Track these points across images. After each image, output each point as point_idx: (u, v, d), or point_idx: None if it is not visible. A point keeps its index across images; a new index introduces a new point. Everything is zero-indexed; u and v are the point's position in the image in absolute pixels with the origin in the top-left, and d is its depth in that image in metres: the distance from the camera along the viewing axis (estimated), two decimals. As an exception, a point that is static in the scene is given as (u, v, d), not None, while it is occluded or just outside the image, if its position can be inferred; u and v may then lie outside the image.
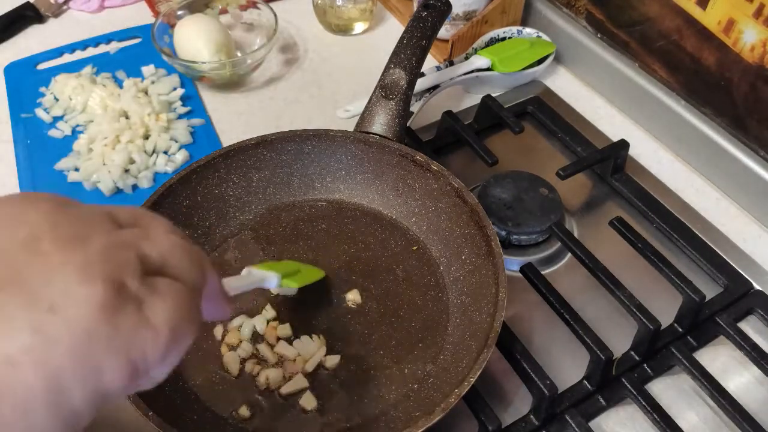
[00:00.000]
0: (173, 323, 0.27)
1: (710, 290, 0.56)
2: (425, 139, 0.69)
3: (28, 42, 0.84)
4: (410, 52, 0.59)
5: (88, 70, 0.77)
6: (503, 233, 0.60)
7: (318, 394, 0.49)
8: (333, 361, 0.50)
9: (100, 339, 0.25)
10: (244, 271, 0.44)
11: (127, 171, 0.66)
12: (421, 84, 0.71)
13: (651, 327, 0.50)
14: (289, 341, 0.51)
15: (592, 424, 0.49)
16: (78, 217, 0.27)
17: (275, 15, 0.78)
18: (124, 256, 0.27)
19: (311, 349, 0.50)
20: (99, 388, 0.25)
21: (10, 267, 0.25)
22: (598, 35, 0.77)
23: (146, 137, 0.69)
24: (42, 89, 0.76)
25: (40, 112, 0.73)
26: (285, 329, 0.51)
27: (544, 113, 0.73)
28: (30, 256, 0.25)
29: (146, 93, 0.74)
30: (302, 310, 0.54)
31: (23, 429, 0.23)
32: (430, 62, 0.74)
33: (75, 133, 0.71)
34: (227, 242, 0.58)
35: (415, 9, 0.66)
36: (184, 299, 0.28)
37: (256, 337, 0.52)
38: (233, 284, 0.39)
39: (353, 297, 0.54)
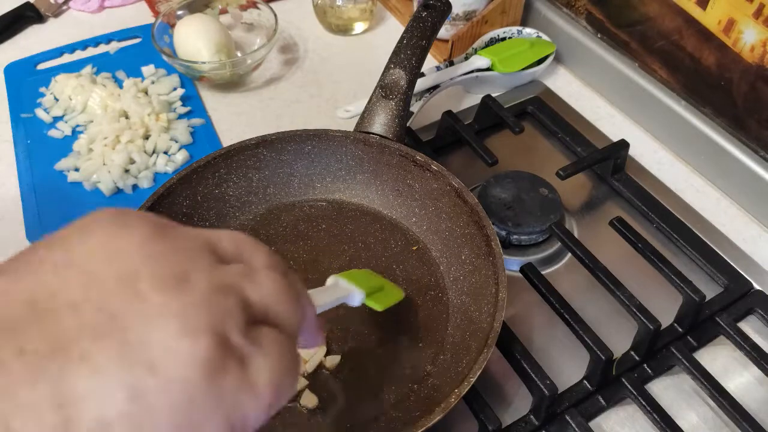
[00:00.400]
0: (277, 381, 0.25)
1: (710, 290, 0.56)
2: (425, 139, 0.69)
3: (28, 42, 0.84)
4: (410, 52, 0.59)
5: (88, 70, 0.77)
6: (503, 233, 0.60)
7: (318, 394, 0.49)
8: (333, 361, 0.50)
9: (201, 405, 0.22)
10: (330, 281, 0.42)
11: (127, 171, 0.66)
12: (421, 84, 0.71)
13: (651, 327, 0.50)
14: None
15: (592, 424, 0.49)
16: (177, 249, 0.25)
17: (275, 15, 0.78)
18: (229, 304, 0.24)
19: (311, 350, 0.50)
20: None
21: (103, 310, 0.22)
22: (598, 35, 0.77)
23: (146, 137, 0.69)
24: (42, 89, 0.76)
25: (40, 112, 0.73)
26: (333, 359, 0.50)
27: (544, 113, 0.73)
28: (125, 298, 0.22)
29: (146, 93, 0.74)
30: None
31: None
32: (430, 62, 0.74)
33: (75, 133, 0.71)
34: (227, 242, 0.58)
35: (415, 9, 0.66)
36: (286, 352, 0.26)
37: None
38: (319, 301, 0.37)
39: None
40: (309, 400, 0.48)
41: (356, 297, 0.42)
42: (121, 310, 0.22)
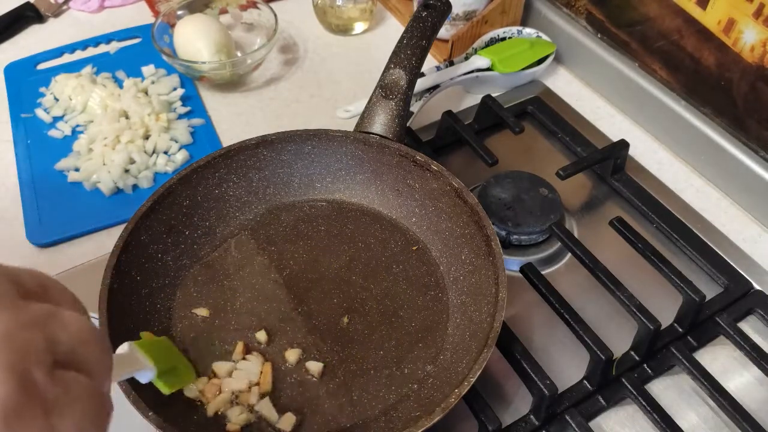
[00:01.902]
0: (82, 430, 0.23)
1: (710, 290, 0.56)
2: (425, 139, 0.69)
3: (28, 42, 0.84)
4: (410, 52, 0.59)
5: (88, 70, 0.77)
6: (503, 233, 0.60)
7: (318, 394, 0.49)
8: (316, 367, 0.49)
9: None
10: (124, 349, 0.38)
11: (127, 171, 0.66)
12: (421, 84, 0.71)
13: (651, 327, 0.50)
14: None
15: (592, 424, 0.49)
16: None
17: (275, 15, 0.78)
18: (33, 341, 0.22)
19: (253, 378, 0.49)
20: None
21: None
22: (598, 35, 0.77)
23: (146, 137, 0.69)
24: (42, 89, 0.76)
25: (40, 112, 0.73)
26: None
27: (544, 113, 0.73)
28: None
29: (146, 93, 0.74)
30: (302, 310, 0.54)
31: None
32: (430, 62, 0.74)
33: (75, 133, 0.71)
34: (227, 242, 0.58)
35: (415, 9, 0.66)
36: (95, 399, 0.24)
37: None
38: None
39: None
40: (316, 367, 0.49)
41: (147, 374, 0.39)
42: None
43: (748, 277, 0.58)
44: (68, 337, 0.24)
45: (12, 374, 0.21)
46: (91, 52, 0.82)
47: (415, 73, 0.59)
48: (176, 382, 0.43)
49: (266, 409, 0.47)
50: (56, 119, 0.73)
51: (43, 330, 0.23)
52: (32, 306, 0.24)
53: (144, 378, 0.39)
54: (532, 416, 0.49)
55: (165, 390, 0.41)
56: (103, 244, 0.62)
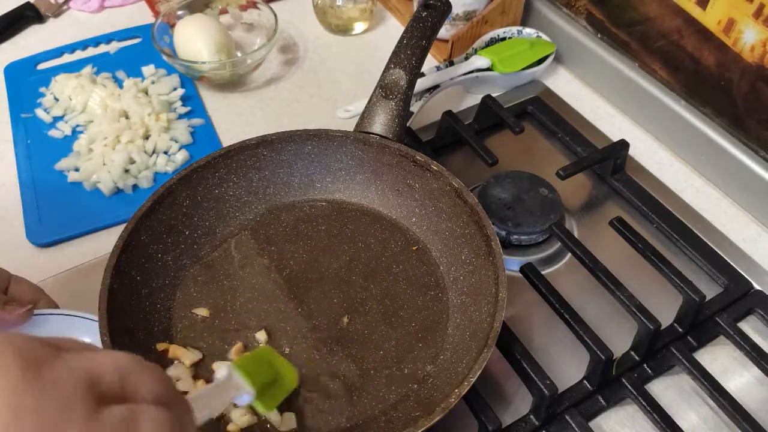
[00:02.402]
0: None
1: (710, 290, 0.56)
2: (425, 139, 0.69)
3: (28, 42, 0.84)
4: (410, 52, 0.59)
5: (88, 70, 0.77)
6: (503, 233, 0.60)
7: (318, 394, 0.49)
8: (289, 424, 0.48)
9: None
10: (222, 373, 0.37)
11: (127, 171, 0.66)
12: (421, 84, 0.71)
13: (651, 327, 0.50)
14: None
15: (592, 424, 0.49)
16: (50, 398, 0.21)
17: (275, 15, 0.78)
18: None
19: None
20: None
21: None
22: (598, 35, 0.77)
23: (146, 137, 0.69)
24: (42, 89, 0.76)
25: (40, 112, 0.73)
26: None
27: (544, 113, 0.73)
28: None
29: (146, 93, 0.74)
30: (302, 310, 0.54)
31: None
32: (430, 62, 0.74)
33: (75, 133, 0.71)
34: (227, 242, 0.58)
35: (415, 9, 0.66)
36: None
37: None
38: (204, 411, 0.33)
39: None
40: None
41: (245, 397, 0.38)
42: None
43: (748, 277, 0.58)
44: (111, 370, 0.23)
45: None
46: (91, 52, 0.82)
47: (415, 73, 0.59)
48: (276, 397, 0.41)
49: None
50: (56, 119, 0.73)
51: (87, 370, 0.23)
52: (105, 418, 0.23)
53: (243, 401, 0.38)
54: (532, 416, 0.49)
55: (263, 409, 0.39)
56: (103, 244, 0.62)
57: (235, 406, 0.38)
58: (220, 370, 0.37)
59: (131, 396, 0.24)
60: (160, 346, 0.50)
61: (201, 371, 0.50)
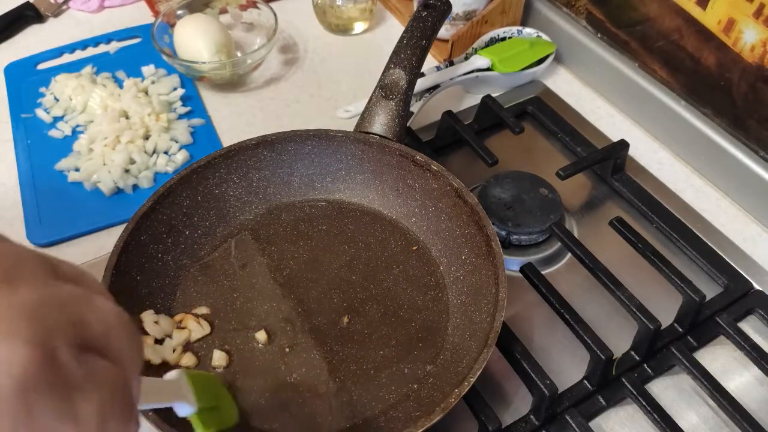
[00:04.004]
0: (104, 419, 0.21)
1: (710, 290, 0.56)
2: (425, 139, 0.69)
3: (28, 42, 0.84)
4: (410, 52, 0.59)
5: (88, 70, 0.77)
6: (503, 233, 0.60)
7: (318, 394, 0.49)
8: (220, 360, 0.50)
9: (6, 426, 0.19)
10: (173, 376, 0.37)
11: (127, 171, 0.66)
12: (421, 84, 0.71)
13: (651, 327, 0.50)
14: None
15: (592, 424, 0.49)
16: (8, 253, 0.22)
17: (275, 15, 0.78)
18: (61, 318, 0.21)
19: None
20: None
21: None
22: (598, 35, 0.77)
23: (146, 137, 0.69)
24: (42, 89, 0.76)
25: (40, 112, 0.73)
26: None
27: (544, 113, 0.73)
28: None
29: (146, 93, 0.74)
30: (302, 310, 0.54)
31: None
32: (430, 62, 0.74)
33: (75, 133, 0.71)
34: (227, 242, 0.58)
35: (415, 9, 0.66)
36: (121, 393, 0.23)
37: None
38: (148, 396, 0.32)
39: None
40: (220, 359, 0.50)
41: (186, 408, 0.37)
42: None
43: (748, 277, 0.58)
44: (98, 321, 0.23)
45: (34, 347, 0.20)
46: (91, 52, 0.82)
47: (415, 73, 0.59)
48: (215, 423, 0.41)
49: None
50: (56, 119, 0.73)
51: (73, 310, 0.22)
52: (64, 286, 0.23)
53: (182, 411, 0.37)
54: (532, 416, 0.49)
55: (200, 429, 0.39)
56: (103, 244, 0.62)
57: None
58: (171, 373, 0.37)
59: (113, 357, 0.24)
60: (177, 317, 0.52)
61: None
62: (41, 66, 0.80)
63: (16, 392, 0.19)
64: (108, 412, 0.22)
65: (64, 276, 0.24)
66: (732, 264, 0.59)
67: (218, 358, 0.50)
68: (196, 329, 0.51)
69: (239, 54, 0.80)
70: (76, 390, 0.21)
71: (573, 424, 0.48)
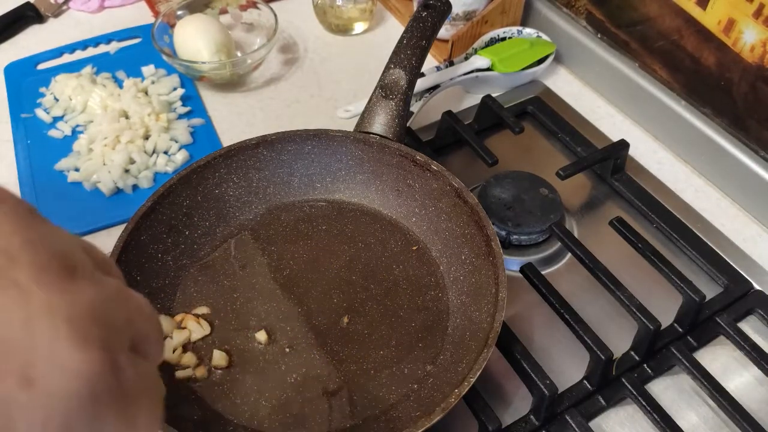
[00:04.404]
0: (153, 427, 0.21)
1: (710, 290, 0.56)
2: (425, 139, 0.69)
3: (28, 42, 0.84)
4: (410, 52, 0.59)
5: (88, 70, 0.77)
6: (503, 233, 0.60)
7: (318, 394, 0.49)
8: (220, 359, 0.50)
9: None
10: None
11: (127, 171, 0.66)
12: (421, 84, 0.71)
13: (651, 327, 0.50)
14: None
15: (592, 424, 0.49)
16: (57, 238, 0.20)
17: (275, 15, 0.78)
18: (119, 318, 0.20)
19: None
20: None
21: None
22: (598, 35, 0.77)
23: (146, 137, 0.69)
24: (42, 89, 0.76)
25: (40, 112, 0.73)
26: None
27: (544, 113, 0.73)
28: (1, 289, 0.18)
29: (146, 93, 0.74)
30: (302, 310, 0.54)
31: None
32: (430, 62, 0.74)
33: (75, 133, 0.71)
34: (227, 242, 0.58)
35: (415, 9, 0.66)
36: (160, 393, 0.22)
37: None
38: None
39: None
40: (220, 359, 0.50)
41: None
42: None
43: (748, 277, 0.58)
44: (141, 319, 0.22)
45: (102, 351, 0.18)
46: (91, 52, 0.82)
47: (415, 73, 0.59)
48: None
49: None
50: (56, 119, 0.73)
51: (124, 307, 0.21)
52: (111, 281, 0.21)
53: None
54: (532, 416, 0.49)
55: None
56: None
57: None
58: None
59: (151, 356, 0.23)
60: (177, 317, 0.52)
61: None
62: (41, 66, 0.80)
63: (90, 400, 0.18)
64: (153, 415, 0.21)
65: (104, 266, 0.22)
66: (732, 264, 0.59)
67: (218, 358, 0.50)
68: (196, 329, 0.51)
69: (239, 54, 0.80)
70: (132, 397, 0.20)
71: (573, 424, 0.48)
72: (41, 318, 0.18)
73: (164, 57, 0.73)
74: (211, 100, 0.77)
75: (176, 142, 0.70)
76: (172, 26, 0.77)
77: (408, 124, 0.67)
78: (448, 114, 0.68)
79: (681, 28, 0.66)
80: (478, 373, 0.43)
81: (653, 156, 0.71)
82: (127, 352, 0.20)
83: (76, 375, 0.18)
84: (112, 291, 0.21)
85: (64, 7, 0.89)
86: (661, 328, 0.51)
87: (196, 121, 0.73)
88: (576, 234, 0.61)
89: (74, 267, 0.19)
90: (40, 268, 0.18)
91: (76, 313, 0.18)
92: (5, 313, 0.17)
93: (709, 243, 0.60)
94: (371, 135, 0.58)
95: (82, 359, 0.18)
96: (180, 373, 0.49)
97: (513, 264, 0.59)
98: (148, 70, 0.77)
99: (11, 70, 0.79)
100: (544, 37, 0.79)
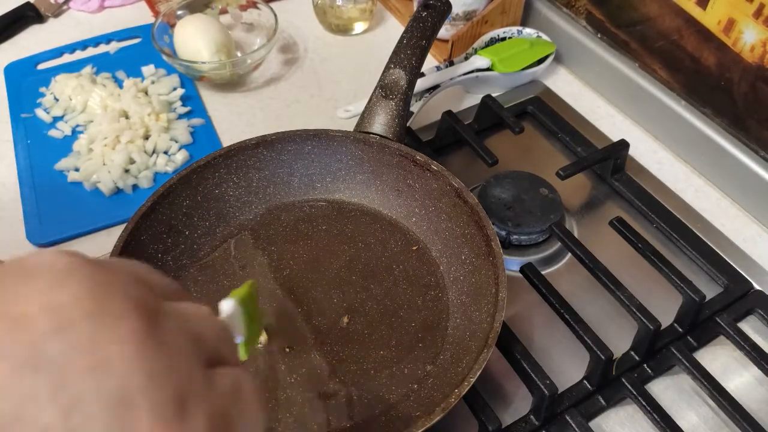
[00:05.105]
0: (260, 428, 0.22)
1: (710, 290, 0.56)
2: (425, 139, 0.69)
3: (28, 42, 0.84)
4: (410, 52, 0.59)
5: (88, 70, 0.77)
6: (503, 233, 0.60)
7: (318, 394, 0.49)
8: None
9: None
10: (229, 307, 0.32)
11: (127, 171, 0.66)
12: (421, 84, 0.71)
13: (651, 327, 0.50)
14: None
15: (592, 424, 0.49)
16: (173, 358, 0.19)
17: (275, 15, 0.78)
18: (187, 345, 0.20)
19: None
20: None
21: None
22: (598, 35, 0.77)
23: (146, 137, 0.69)
24: (42, 89, 0.76)
25: (40, 112, 0.73)
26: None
27: (544, 113, 0.73)
28: None
29: (146, 93, 0.74)
30: (302, 310, 0.54)
31: None
32: (430, 62, 0.74)
33: (75, 133, 0.71)
34: (227, 242, 0.58)
35: (415, 9, 0.66)
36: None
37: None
38: None
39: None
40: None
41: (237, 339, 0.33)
42: None
43: (748, 277, 0.58)
44: (210, 332, 0.22)
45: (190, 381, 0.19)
46: (91, 52, 0.82)
47: (415, 73, 0.59)
48: (250, 339, 0.35)
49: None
50: (56, 119, 0.73)
51: (193, 330, 0.21)
52: (218, 387, 0.21)
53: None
54: (532, 416, 0.49)
55: (243, 355, 0.34)
56: (103, 244, 0.62)
57: None
58: (227, 305, 0.32)
59: (228, 359, 0.23)
60: None
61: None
62: (41, 66, 0.80)
63: None
64: (257, 412, 0.22)
65: (207, 351, 0.22)
66: (732, 264, 0.59)
67: None
68: None
69: (239, 54, 0.80)
70: (232, 413, 0.20)
71: (573, 424, 0.48)
72: None
73: (164, 57, 0.73)
74: (211, 100, 0.77)
75: (176, 142, 0.70)
76: (172, 26, 0.77)
77: (408, 124, 0.67)
78: (448, 114, 0.68)
79: (681, 28, 0.66)
80: (478, 373, 0.43)
81: (653, 156, 0.71)
82: (204, 369, 0.21)
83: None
84: (221, 403, 0.21)
85: (64, 7, 0.89)
86: (661, 328, 0.51)
87: (196, 121, 0.73)
88: (576, 234, 0.61)
89: (186, 396, 0.19)
90: (158, 416, 0.18)
91: (173, 354, 0.19)
92: None
93: (709, 243, 0.60)
94: (371, 135, 0.58)
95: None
96: None
97: (513, 264, 0.59)
98: (148, 70, 0.77)
99: (11, 70, 0.79)
100: (544, 37, 0.79)
